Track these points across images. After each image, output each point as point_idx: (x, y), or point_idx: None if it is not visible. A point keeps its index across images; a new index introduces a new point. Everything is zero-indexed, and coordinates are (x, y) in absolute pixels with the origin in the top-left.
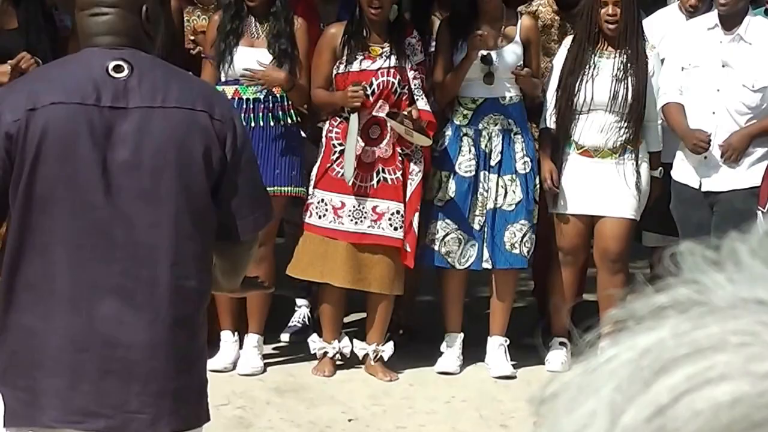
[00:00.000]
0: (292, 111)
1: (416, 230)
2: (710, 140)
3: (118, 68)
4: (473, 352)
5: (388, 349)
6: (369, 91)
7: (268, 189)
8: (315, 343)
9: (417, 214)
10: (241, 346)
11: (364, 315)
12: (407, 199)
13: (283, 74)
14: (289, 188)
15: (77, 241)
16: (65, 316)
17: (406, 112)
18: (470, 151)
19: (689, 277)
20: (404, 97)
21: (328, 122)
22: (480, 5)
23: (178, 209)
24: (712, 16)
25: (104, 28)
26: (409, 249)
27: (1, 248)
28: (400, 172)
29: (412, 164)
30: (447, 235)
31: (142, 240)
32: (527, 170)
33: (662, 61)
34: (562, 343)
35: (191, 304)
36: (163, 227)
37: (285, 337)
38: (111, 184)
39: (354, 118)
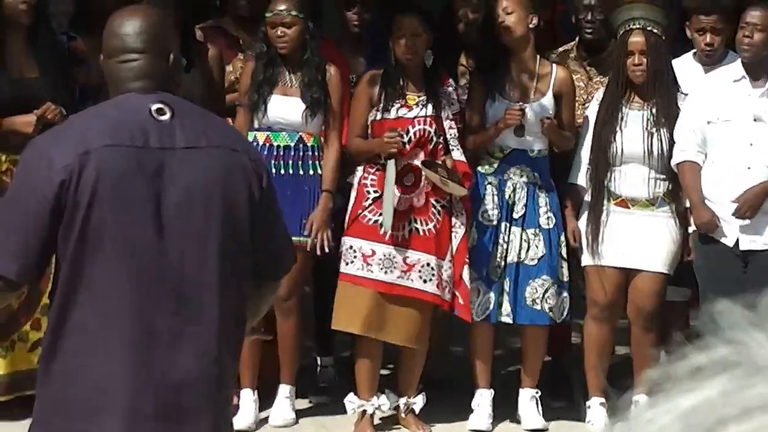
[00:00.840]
0: (322, 161)
1: (467, 283)
2: (718, 225)
3: (160, 111)
4: (507, 403)
5: (419, 401)
6: (405, 140)
7: (294, 238)
8: (353, 402)
9: (467, 267)
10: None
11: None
12: (454, 251)
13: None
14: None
15: (130, 283)
16: (119, 359)
17: (440, 162)
18: (493, 200)
19: (728, 336)
20: (440, 147)
21: (362, 169)
22: (511, 56)
23: (223, 248)
24: (737, 68)
25: (135, 74)
26: (462, 302)
27: (49, 292)
28: (433, 223)
29: (453, 217)
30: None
31: (191, 280)
32: (551, 225)
33: None
34: (602, 404)
35: (235, 342)
36: (210, 266)
37: (315, 399)
38: (163, 225)
39: (391, 165)
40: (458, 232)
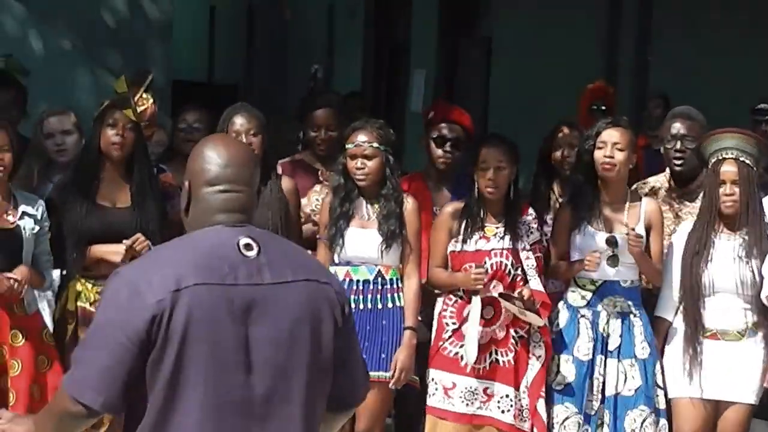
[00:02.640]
0: (401, 293)
1: (543, 416)
2: None
3: (248, 246)
4: None
5: None
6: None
7: (374, 374)
8: None
9: (542, 400)
10: None
11: None
12: (529, 383)
13: None
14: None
15: (217, 422)
16: None
17: (517, 293)
18: (588, 334)
19: None
20: (518, 279)
21: (441, 301)
22: (603, 187)
23: (309, 379)
24: None
25: (231, 206)
26: None
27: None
28: (512, 354)
29: (531, 348)
30: (567, 419)
31: (276, 416)
32: (646, 355)
33: None
34: None
35: None
36: (296, 399)
37: None
38: (252, 361)
39: (476, 301)
40: (535, 364)
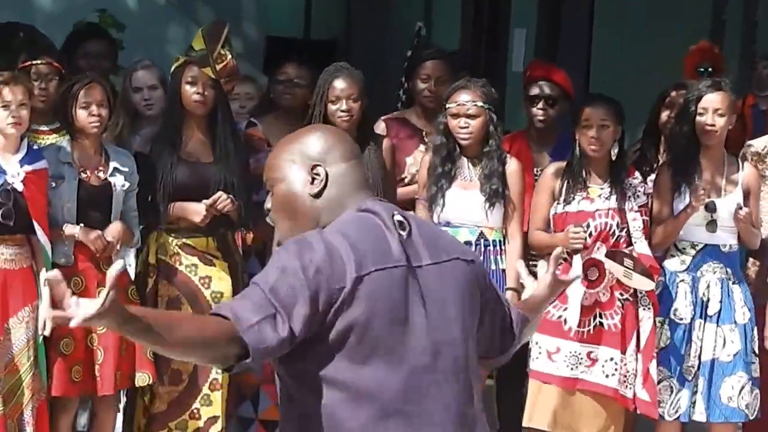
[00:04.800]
0: (503, 255)
1: (655, 379)
2: None
3: (401, 224)
4: None
5: None
6: (587, 233)
7: None
8: None
9: (654, 362)
10: None
11: None
12: (642, 346)
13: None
14: None
15: (402, 407)
16: None
17: (626, 251)
18: (686, 297)
19: None
20: (623, 240)
21: (543, 264)
22: (702, 150)
23: (467, 359)
24: None
25: (362, 177)
26: (649, 399)
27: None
28: (618, 317)
29: (641, 310)
30: (660, 382)
31: (454, 400)
32: (746, 320)
33: None
34: None
35: None
36: (463, 382)
37: None
38: (432, 344)
39: (577, 261)
40: (646, 325)
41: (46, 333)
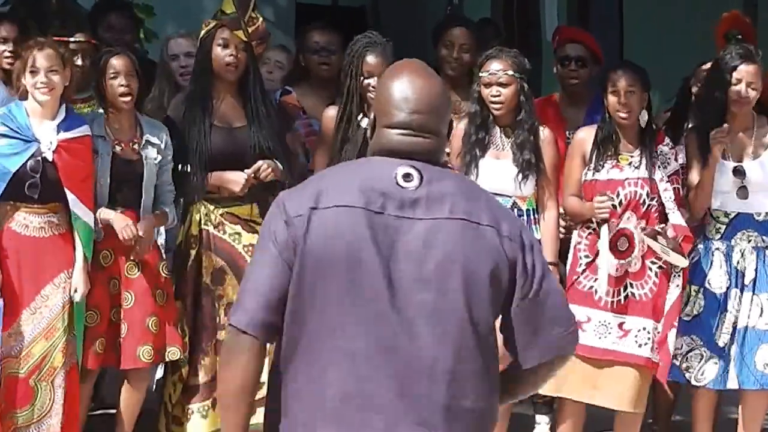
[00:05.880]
0: (538, 225)
1: (671, 347)
2: None
3: (407, 177)
4: None
5: None
6: (616, 202)
7: None
8: None
9: (674, 330)
10: None
11: None
12: (666, 312)
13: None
14: None
15: (357, 353)
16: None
17: (660, 228)
18: (721, 266)
19: None
20: (653, 209)
21: (576, 233)
22: (730, 114)
23: (461, 326)
24: None
25: (411, 149)
26: (662, 363)
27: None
28: (649, 286)
29: (671, 277)
30: (691, 350)
31: (423, 355)
32: None
33: None
34: None
35: (464, 425)
36: (445, 344)
37: None
38: (397, 296)
39: (605, 230)
40: (673, 293)
41: (77, 299)
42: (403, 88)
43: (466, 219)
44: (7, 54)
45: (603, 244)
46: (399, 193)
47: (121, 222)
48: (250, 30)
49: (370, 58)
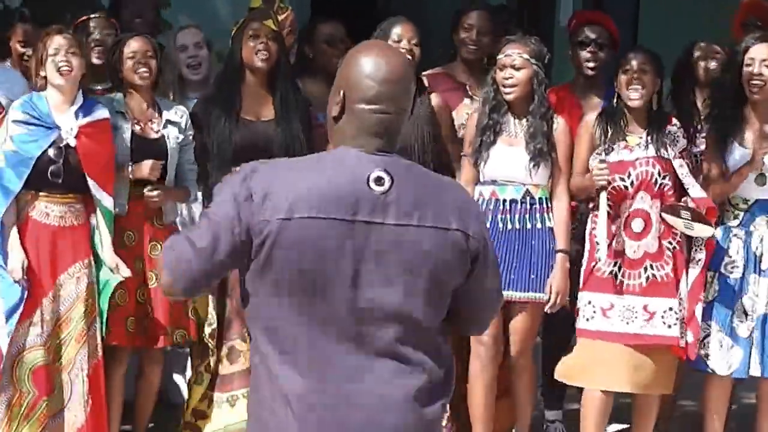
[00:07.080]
0: (551, 213)
1: (699, 319)
2: None
3: (379, 180)
4: None
5: None
6: (628, 182)
7: (522, 294)
8: None
9: (700, 304)
10: None
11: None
12: (689, 287)
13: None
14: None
15: (316, 351)
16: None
17: (682, 202)
18: (738, 252)
19: None
20: (666, 188)
21: (590, 219)
22: (749, 103)
23: (418, 329)
24: None
25: (382, 129)
26: (691, 339)
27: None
28: (669, 266)
29: (693, 252)
30: (707, 336)
31: (373, 350)
32: None
33: None
34: None
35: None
36: (401, 346)
37: None
38: (358, 298)
39: (603, 197)
40: (696, 267)
41: (127, 273)
42: (376, 60)
43: (435, 226)
44: (26, 57)
45: (602, 209)
46: (371, 198)
47: (146, 166)
48: (280, 18)
49: (396, 28)
